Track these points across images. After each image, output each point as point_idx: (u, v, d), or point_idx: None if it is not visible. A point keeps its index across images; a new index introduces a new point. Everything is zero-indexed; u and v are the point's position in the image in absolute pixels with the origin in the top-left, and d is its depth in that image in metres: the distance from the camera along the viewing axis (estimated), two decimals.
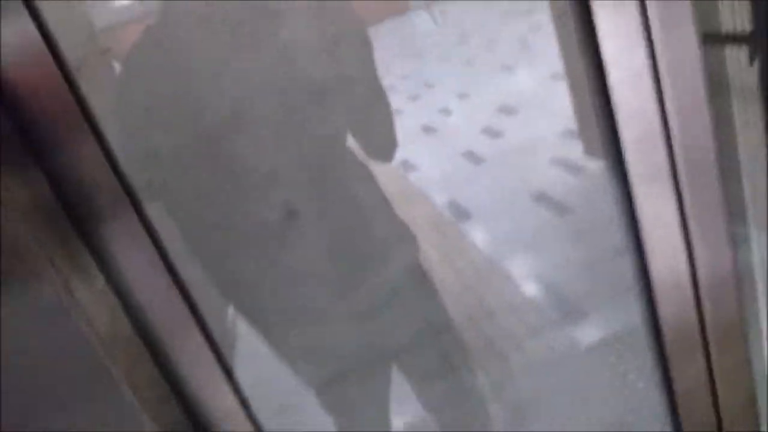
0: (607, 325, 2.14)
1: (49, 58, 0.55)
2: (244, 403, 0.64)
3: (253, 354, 1.79)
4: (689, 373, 0.71)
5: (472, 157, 4.52)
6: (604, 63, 0.59)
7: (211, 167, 1.43)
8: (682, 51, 0.59)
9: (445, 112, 6.11)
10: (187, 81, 1.32)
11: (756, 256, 1.50)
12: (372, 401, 1.98)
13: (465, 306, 2.28)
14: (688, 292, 0.68)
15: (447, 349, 2.11)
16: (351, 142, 1.52)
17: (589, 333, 2.15)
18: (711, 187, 0.66)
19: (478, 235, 3.22)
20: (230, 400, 0.63)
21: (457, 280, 2.53)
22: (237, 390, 0.64)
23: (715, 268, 0.68)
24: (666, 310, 0.69)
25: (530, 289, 2.36)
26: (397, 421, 2.05)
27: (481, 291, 2.39)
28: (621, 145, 0.59)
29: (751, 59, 1.13)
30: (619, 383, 2.16)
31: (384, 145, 1.57)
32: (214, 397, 0.63)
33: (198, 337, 0.62)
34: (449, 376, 2.15)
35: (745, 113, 1.23)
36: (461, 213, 3.59)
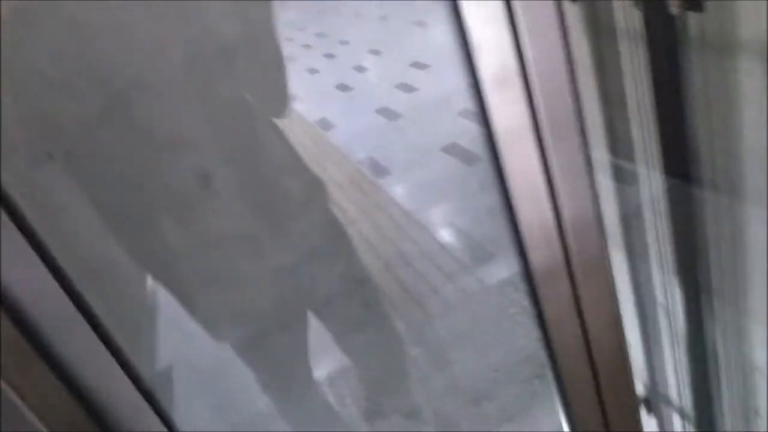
0: (512, 264, 2.30)
1: None
2: (147, 396, 0.61)
3: (175, 322, 1.80)
4: (557, 303, 0.81)
5: (388, 113, 4.59)
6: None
7: (119, 133, 1.38)
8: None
9: (360, 69, 6.11)
10: (88, 42, 1.24)
11: (645, 194, 1.64)
12: (293, 355, 2.04)
13: (383, 257, 2.39)
14: (554, 233, 0.77)
15: (366, 298, 2.21)
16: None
17: (496, 273, 2.31)
18: (572, 135, 0.73)
19: (396, 189, 3.32)
20: (133, 395, 0.60)
21: (376, 232, 2.63)
22: (139, 383, 0.61)
23: (577, 210, 0.77)
24: (534, 251, 0.78)
25: (444, 235, 2.49)
26: (319, 372, 2.15)
27: (398, 241, 2.50)
28: (482, 90, 0.65)
29: None
30: (523, 316, 2.35)
31: (278, 101, 1.59)
32: (116, 392, 0.59)
33: (88, 332, 0.59)
34: (370, 325, 2.26)
35: (634, 57, 1.31)
36: (378, 169, 3.68)
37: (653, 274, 1.92)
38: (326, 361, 2.18)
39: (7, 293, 0.53)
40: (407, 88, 4.99)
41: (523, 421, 2.64)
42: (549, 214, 0.75)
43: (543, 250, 0.77)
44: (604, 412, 0.93)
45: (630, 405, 0.98)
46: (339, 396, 2.25)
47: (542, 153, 0.73)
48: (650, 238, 1.75)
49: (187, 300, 1.71)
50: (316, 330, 2.02)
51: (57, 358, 0.56)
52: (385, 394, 2.34)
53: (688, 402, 2.34)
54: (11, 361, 0.51)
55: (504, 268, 2.34)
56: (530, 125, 0.71)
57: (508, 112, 0.68)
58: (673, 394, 2.25)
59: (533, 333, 2.43)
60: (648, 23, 1.19)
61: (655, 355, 2.09)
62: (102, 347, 0.58)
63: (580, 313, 0.83)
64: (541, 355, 2.60)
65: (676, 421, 2.34)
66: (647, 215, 1.67)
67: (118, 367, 0.58)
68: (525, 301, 2.43)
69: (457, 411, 2.47)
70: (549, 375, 2.65)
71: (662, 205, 1.64)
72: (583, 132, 0.74)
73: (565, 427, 0.95)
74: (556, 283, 0.79)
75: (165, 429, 0.63)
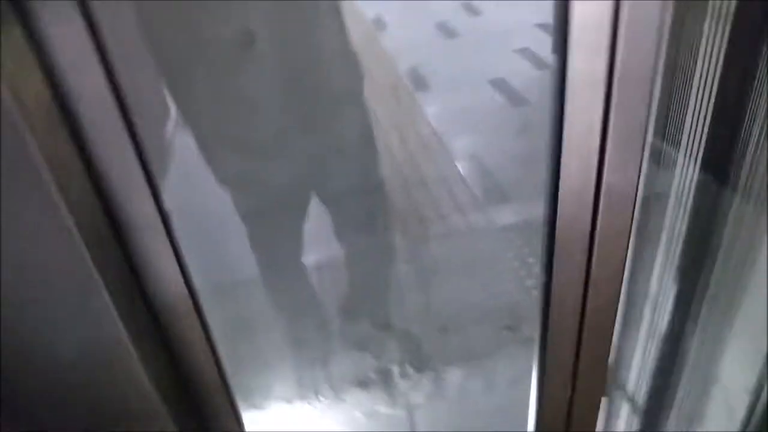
0: (523, 212, 2.30)
1: None
2: (164, 218, 0.62)
3: (185, 175, 1.80)
4: (569, 273, 0.80)
5: (445, 30, 4.41)
6: None
7: None
8: None
9: None
10: None
11: (675, 180, 1.61)
12: (291, 236, 2.08)
13: (402, 172, 2.38)
14: (590, 198, 0.75)
15: (374, 204, 2.22)
16: None
17: (504, 217, 2.31)
18: (641, 104, 0.70)
19: (431, 107, 3.26)
20: (150, 210, 0.60)
21: (402, 146, 2.60)
22: (157, 199, 0.61)
23: (621, 181, 0.75)
24: (565, 209, 0.76)
25: (465, 166, 2.46)
26: (309, 257, 2.19)
27: (421, 161, 2.47)
28: (568, 45, 0.62)
29: None
30: (519, 264, 2.38)
31: None
32: (135, 200, 0.59)
33: (126, 142, 0.57)
34: (369, 229, 2.28)
35: (714, 38, 1.24)
36: (420, 83, 3.58)
37: (655, 263, 1.92)
38: (319, 249, 2.21)
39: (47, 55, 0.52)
40: (472, 10, 4.78)
41: (479, 364, 2.74)
42: (592, 176, 0.73)
43: (574, 211, 0.75)
44: (573, 387, 0.95)
45: (599, 387, 1.00)
46: (320, 285, 2.31)
47: (606, 112, 0.71)
48: (665, 227, 1.74)
49: (208, 154, 1.72)
50: (318, 218, 2.03)
51: (81, 134, 0.55)
52: (363, 298, 2.41)
53: (641, 395, 2.42)
54: (41, 119, 0.50)
55: (513, 215, 2.34)
56: (605, 80, 0.68)
57: (587, 59, 0.65)
58: (631, 383, 2.32)
59: (521, 283, 2.47)
60: (741, 5, 1.12)
61: (627, 341, 2.12)
62: (126, 140, 0.57)
63: (587, 284, 0.82)
64: (520, 308, 2.64)
65: (624, 409, 2.43)
66: (670, 203, 1.65)
67: (144, 181, 0.57)
68: (524, 252, 2.46)
69: (423, 334, 2.54)
70: (520, 331, 2.71)
71: (687, 198, 1.62)
72: (650, 101, 0.71)
73: (533, 386, 0.97)
74: (576, 248, 0.78)
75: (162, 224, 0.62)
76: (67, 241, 0.50)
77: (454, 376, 2.75)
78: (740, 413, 1.58)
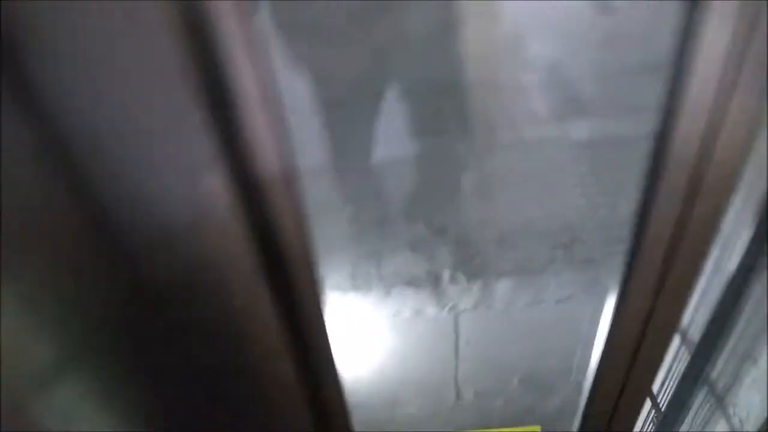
0: (600, 128, 2.19)
1: None
2: (274, 91, 0.59)
3: None
4: (672, 194, 0.76)
5: None
6: None
7: None
8: None
9: None
10: None
11: None
12: (364, 129, 2.07)
13: (477, 74, 2.27)
14: (715, 116, 0.69)
15: (446, 107, 2.16)
16: None
17: (581, 130, 2.21)
18: None
19: (513, 8, 3.05)
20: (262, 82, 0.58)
21: (480, 47, 2.46)
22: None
23: (749, 102, 0.69)
24: (682, 126, 0.71)
25: (548, 75, 2.33)
26: (375, 154, 2.17)
27: (500, 63, 2.35)
28: None
29: None
30: (591, 181, 2.30)
31: None
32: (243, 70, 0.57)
33: None
34: (439, 133, 2.24)
35: None
36: None
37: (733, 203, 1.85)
38: (386, 145, 2.18)
39: None
40: None
41: (530, 279, 2.75)
42: (719, 96, 0.67)
43: (693, 128, 0.70)
44: (649, 317, 0.93)
45: (674, 321, 0.98)
46: (383, 181, 2.30)
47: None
48: None
49: (288, 39, 1.69)
50: (388, 114, 2.00)
51: None
52: (423, 200, 2.40)
53: (695, 330, 2.40)
54: None
55: (589, 130, 2.23)
56: None
57: None
58: (686, 317, 2.30)
59: (586, 202, 2.40)
60: None
61: None
62: None
63: (690, 209, 0.78)
64: (580, 228, 2.59)
65: (675, 342, 2.42)
66: None
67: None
68: (596, 169, 2.37)
69: (478, 243, 2.54)
70: (576, 251, 2.66)
71: None
72: None
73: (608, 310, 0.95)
74: (685, 170, 0.73)
75: None
76: (194, 108, 0.50)
77: (503, 287, 2.78)
78: None
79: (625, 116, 2.16)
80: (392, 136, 2.13)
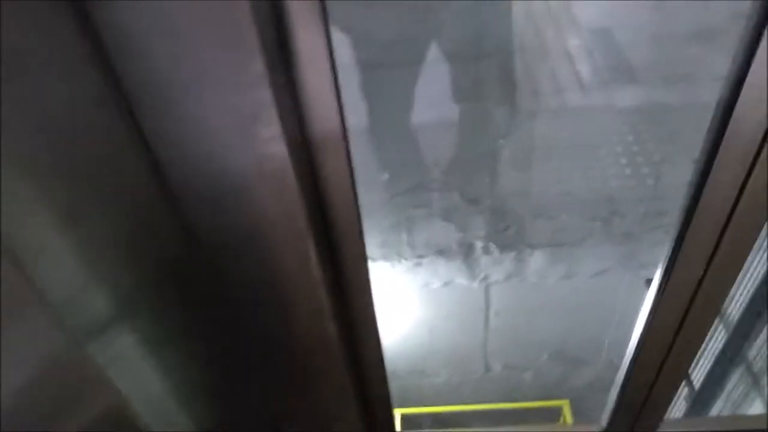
0: (647, 95, 2.12)
1: None
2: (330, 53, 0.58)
3: None
4: (732, 166, 0.73)
5: None
6: None
7: None
8: None
9: None
10: None
11: None
12: (403, 93, 2.04)
13: (528, 36, 2.21)
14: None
15: (489, 72, 2.12)
16: None
17: (627, 98, 2.14)
18: None
19: None
20: (320, 41, 0.56)
21: (527, 7, 2.38)
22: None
23: None
24: (747, 96, 0.68)
25: (599, 43, 2.23)
26: (420, 117, 2.14)
27: (546, 27, 2.28)
28: None
29: None
30: (637, 150, 2.23)
31: None
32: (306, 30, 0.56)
33: None
34: (481, 98, 2.20)
35: None
36: None
37: None
38: (426, 110, 2.15)
39: None
40: None
41: (564, 252, 2.71)
42: None
43: (757, 97, 0.67)
44: (693, 297, 0.90)
45: (719, 302, 0.95)
46: (421, 146, 2.27)
47: None
48: None
49: None
50: (430, 78, 1.97)
51: None
52: (460, 168, 2.37)
53: (734, 312, 2.33)
54: None
55: (636, 97, 2.16)
56: None
57: None
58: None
59: (629, 173, 2.34)
60: None
61: None
62: None
63: (745, 183, 0.75)
64: (619, 202, 2.52)
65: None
66: None
67: None
68: (647, 138, 2.30)
69: (513, 215, 2.51)
70: (613, 224, 2.60)
71: None
72: None
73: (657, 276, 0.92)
74: (748, 140, 0.70)
75: None
76: (250, 61, 0.49)
77: (536, 259, 2.75)
78: None
79: (674, 84, 2.09)
80: (431, 102, 2.10)
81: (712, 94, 0.75)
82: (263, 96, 0.51)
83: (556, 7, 2.20)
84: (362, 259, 0.75)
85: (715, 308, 0.92)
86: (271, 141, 0.53)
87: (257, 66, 0.49)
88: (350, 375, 0.85)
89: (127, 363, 0.65)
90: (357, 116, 2.05)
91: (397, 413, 2.94)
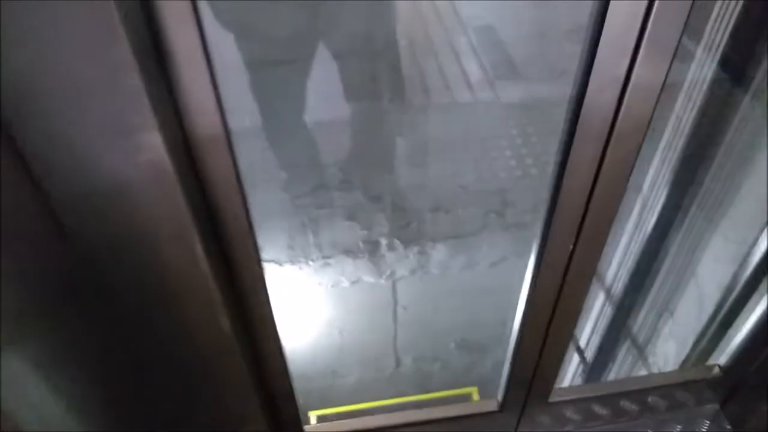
0: (532, 90, 2.25)
1: None
2: (206, 52, 0.59)
3: None
4: (585, 155, 0.80)
5: None
6: None
7: None
8: None
9: None
10: None
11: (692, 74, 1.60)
12: (294, 90, 2.03)
13: (411, 36, 2.26)
14: (619, 85, 0.74)
15: (379, 70, 2.15)
16: None
17: (513, 93, 2.26)
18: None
19: None
20: (194, 41, 0.58)
21: (413, 8, 2.45)
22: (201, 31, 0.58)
23: (650, 74, 0.73)
24: (594, 92, 0.75)
25: (478, 37, 2.31)
26: (312, 115, 2.14)
27: (432, 26, 2.35)
28: None
29: None
30: (521, 143, 2.35)
31: None
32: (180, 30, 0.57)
33: None
34: (373, 96, 2.23)
35: None
36: None
37: (654, 157, 1.95)
38: (319, 109, 2.17)
39: None
40: None
41: (464, 243, 2.82)
42: (625, 63, 0.72)
43: (601, 95, 0.75)
44: (567, 269, 0.98)
45: (589, 272, 1.03)
46: (318, 145, 2.28)
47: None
48: (671, 119, 1.75)
49: None
50: (321, 76, 1.97)
51: None
52: (358, 166, 2.40)
53: (618, 287, 2.53)
54: None
55: (521, 92, 2.29)
56: None
57: None
58: (609, 275, 2.42)
59: (517, 165, 2.47)
60: None
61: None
62: None
63: (600, 167, 0.83)
64: (511, 193, 2.65)
65: (600, 299, 2.55)
66: (680, 96, 1.64)
67: None
68: (530, 131, 2.43)
69: (414, 210, 2.58)
70: (507, 216, 2.72)
71: (699, 92, 1.61)
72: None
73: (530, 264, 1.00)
74: (596, 131, 0.78)
75: None
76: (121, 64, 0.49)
77: (438, 252, 2.84)
78: (710, 308, 1.68)
79: (555, 79, 2.23)
80: (326, 100, 2.11)
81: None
82: (136, 97, 0.51)
83: (442, 6, 2.29)
84: (254, 258, 0.76)
85: (587, 273, 1.00)
86: (147, 142, 0.54)
87: (128, 68, 0.49)
88: (251, 374, 0.86)
89: (20, 382, 0.63)
90: (251, 115, 2.03)
91: (313, 415, 2.93)
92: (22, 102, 0.52)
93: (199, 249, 0.64)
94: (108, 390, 0.83)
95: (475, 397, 3.60)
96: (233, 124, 0.65)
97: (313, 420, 2.99)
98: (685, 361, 1.84)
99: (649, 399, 1.38)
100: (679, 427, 1.40)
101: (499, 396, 1.24)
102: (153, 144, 0.55)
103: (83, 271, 0.66)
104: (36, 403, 0.71)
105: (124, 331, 0.74)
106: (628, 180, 0.86)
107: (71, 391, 0.76)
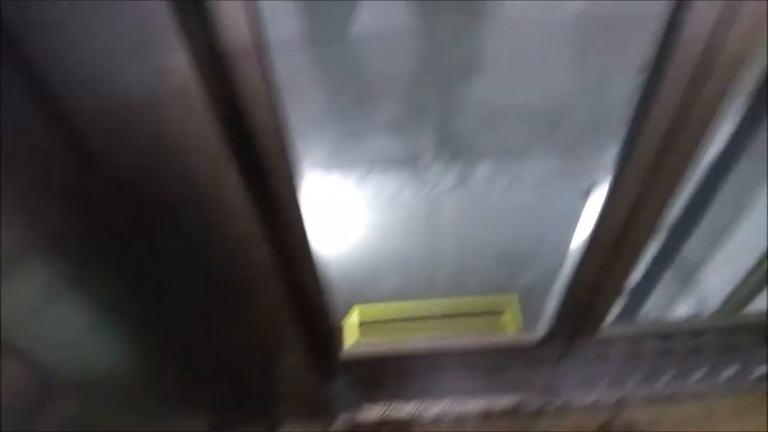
0: (597, 9, 2.06)
1: None
2: None
3: None
4: (677, 81, 0.70)
5: None
6: None
7: None
8: None
9: None
10: None
11: None
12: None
13: None
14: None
15: None
16: None
17: (575, 10, 2.07)
18: None
19: None
20: None
21: None
22: None
23: None
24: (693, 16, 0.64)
25: None
26: (358, 28, 2.01)
27: None
28: None
29: None
30: (582, 63, 2.18)
31: None
32: None
33: None
34: (422, 7, 2.09)
35: None
36: None
37: None
38: (370, 19, 2.04)
39: None
40: None
41: (510, 162, 2.72)
42: None
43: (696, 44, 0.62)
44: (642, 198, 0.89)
45: (667, 199, 0.94)
46: (365, 55, 2.17)
47: None
48: None
49: None
50: None
51: None
52: (408, 78, 2.29)
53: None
54: None
55: (579, 7, 2.09)
56: None
57: None
58: None
59: (577, 84, 2.30)
60: None
61: None
62: None
63: (685, 116, 0.72)
64: (567, 110, 2.50)
65: None
66: None
67: None
68: (587, 49, 2.24)
69: (460, 124, 2.48)
70: (559, 134, 2.58)
71: None
72: None
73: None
74: (692, 58, 0.67)
75: None
76: None
77: (483, 168, 2.75)
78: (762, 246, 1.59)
79: None
80: (374, 8, 1.98)
81: (655, 5, 0.72)
82: (168, 13, 0.43)
83: None
84: (290, 174, 0.69)
85: (660, 209, 0.91)
86: (170, 53, 0.46)
87: None
88: (288, 298, 0.82)
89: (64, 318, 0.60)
90: (299, 24, 1.92)
91: (356, 310, 3.04)
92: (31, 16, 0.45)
93: (232, 172, 0.58)
94: (151, 317, 0.81)
95: (516, 305, 3.59)
96: (277, 33, 0.57)
97: (354, 316, 3.07)
98: (731, 301, 1.77)
99: (702, 339, 1.31)
100: (733, 367, 1.35)
101: (544, 327, 1.19)
102: (175, 55, 0.47)
103: (107, 189, 0.62)
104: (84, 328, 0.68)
105: (159, 259, 0.70)
106: (719, 114, 0.75)
107: (112, 316, 0.74)
